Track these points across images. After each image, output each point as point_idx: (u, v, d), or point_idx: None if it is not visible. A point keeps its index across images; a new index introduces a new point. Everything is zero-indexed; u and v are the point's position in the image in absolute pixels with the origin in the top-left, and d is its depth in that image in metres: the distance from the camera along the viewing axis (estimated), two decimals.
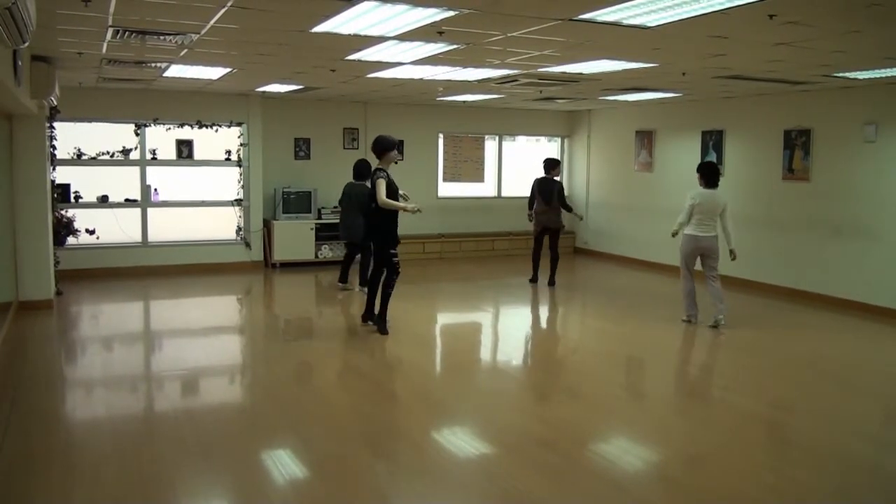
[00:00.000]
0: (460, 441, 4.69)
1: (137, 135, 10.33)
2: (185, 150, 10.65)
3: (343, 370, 6.33)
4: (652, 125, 11.49)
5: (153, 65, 7.44)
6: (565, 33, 5.32)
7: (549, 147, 13.61)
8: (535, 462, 4.25)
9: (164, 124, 10.41)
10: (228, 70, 7.79)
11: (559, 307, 9.21)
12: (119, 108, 10.06)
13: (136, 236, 10.45)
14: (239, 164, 10.95)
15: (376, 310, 7.20)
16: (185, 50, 6.37)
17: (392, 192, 6.80)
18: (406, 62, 6.93)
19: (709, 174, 7.43)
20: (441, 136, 12.50)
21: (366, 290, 7.65)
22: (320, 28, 5.26)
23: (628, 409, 5.44)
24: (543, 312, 8.93)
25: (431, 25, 5.08)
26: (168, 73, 8.04)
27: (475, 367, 6.63)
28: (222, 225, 11.03)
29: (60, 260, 8.88)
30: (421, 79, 8.22)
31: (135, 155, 10.36)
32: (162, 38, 5.75)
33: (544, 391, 5.92)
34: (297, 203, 11.09)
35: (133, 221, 10.40)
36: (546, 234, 9.86)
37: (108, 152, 10.18)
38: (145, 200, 10.46)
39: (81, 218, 9.52)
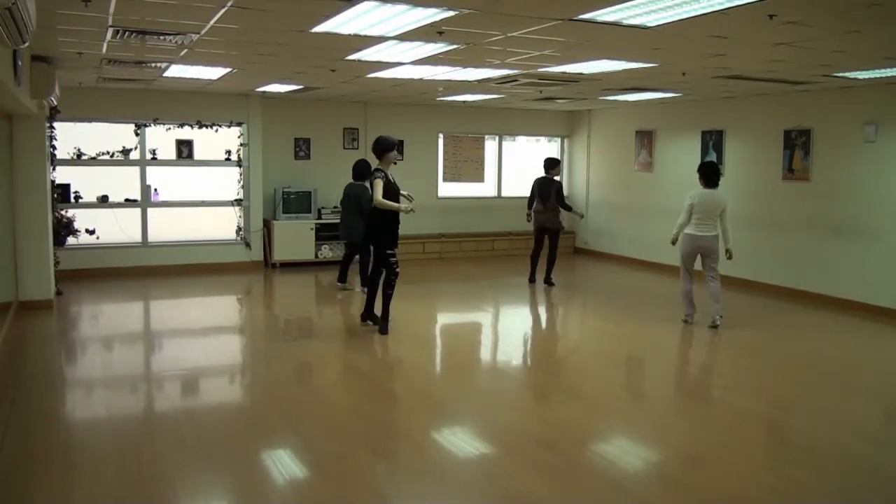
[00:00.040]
0: (460, 441, 4.69)
1: (137, 135, 10.33)
2: (185, 150, 10.65)
3: (343, 370, 6.33)
4: (652, 125, 11.49)
5: (153, 65, 7.44)
6: (565, 33, 5.32)
7: (549, 147, 13.62)
8: (535, 462, 4.25)
9: (164, 124, 10.41)
10: (228, 70, 7.79)
11: (559, 307, 9.21)
12: (119, 108, 10.06)
13: (136, 236, 10.45)
14: (239, 164, 10.95)
15: (376, 309, 7.22)
16: (185, 50, 6.37)
17: (390, 192, 6.81)
18: (406, 62, 6.94)
19: (708, 174, 7.43)
20: (441, 136, 12.50)
21: (366, 290, 7.65)
22: (320, 28, 5.26)
23: (628, 409, 5.44)
24: (543, 312, 8.93)
25: (431, 25, 5.08)
26: (168, 73, 8.04)
27: (475, 367, 6.63)
28: (222, 225, 11.04)
29: (60, 260, 8.88)
30: (421, 79, 8.22)
31: (135, 155, 10.36)
32: (162, 38, 5.75)
33: (544, 391, 5.92)
34: (297, 203, 11.09)
35: (133, 221, 10.40)
36: (545, 234, 9.86)
37: (108, 152, 10.18)
38: (145, 200, 10.46)
39: (81, 218, 9.52)
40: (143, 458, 4.22)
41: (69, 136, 9.71)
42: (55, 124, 8.66)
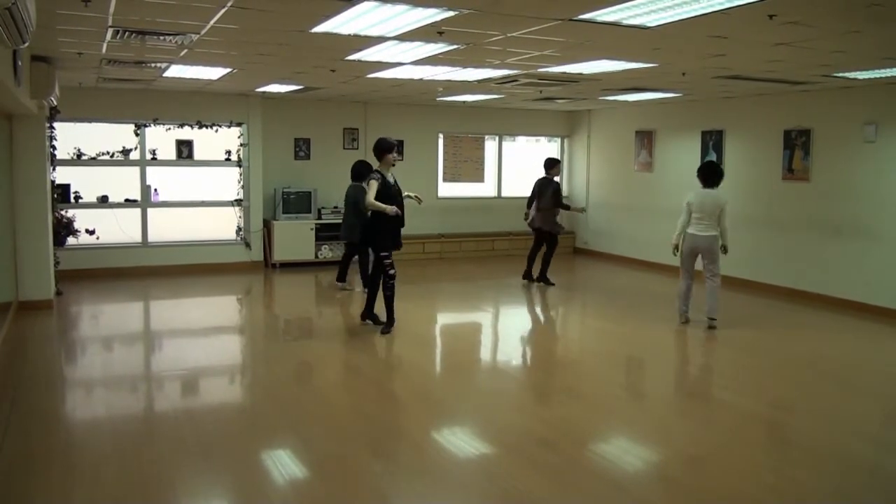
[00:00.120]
0: (460, 441, 4.69)
1: (137, 135, 10.33)
2: (185, 151, 10.65)
3: (343, 370, 6.33)
4: (652, 125, 11.49)
5: (153, 65, 7.44)
6: (565, 33, 5.32)
7: (549, 147, 13.62)
8: (535, 462, 4.25)
9: (163, 124, 10.41)
10: (228, 70, 7.79)
11: (559, 307, 9.21)
12: (119, 108, 10.06)
13: (137, 236, 10.45)
14: (239, 164, 10.95)
15: (377, 310, 7.24)
16: (185, 50, 6.37)
17: (387, 195, 6.80)
18: (406, 62, 6.94)
19: (706, 174, 7.43)
20: (441, 136, 12.50)
21: (367, 290, 7.67)
22: (320, 28, 5.26)
23: (628, 409, 5.44)
24: (543, 312, 8.94)
25: (431, 25, 5.09)
26: (168, 74, 8.04)
27: (475, 367, 6.63)
28: (222, 225, 11.04)
29: (60, 260, 8.88)
30: (421, 79, 8.22)
31: (135, 155, 10.36)
32: (162, 38, 5.75)
33: (544, 391, 5.92)
34: (297, 203, 11.09)
35: (133, 222, 10.40)
36: (542, 234, 9.85)
37: (107, 152, 10.18)
38: (145, 200, 10.46)
39: (81, 218, 9.52)
40: (143, 458, 4.22)
41: (69, 136, 9.70)
42: (55, 124, 8.66)
